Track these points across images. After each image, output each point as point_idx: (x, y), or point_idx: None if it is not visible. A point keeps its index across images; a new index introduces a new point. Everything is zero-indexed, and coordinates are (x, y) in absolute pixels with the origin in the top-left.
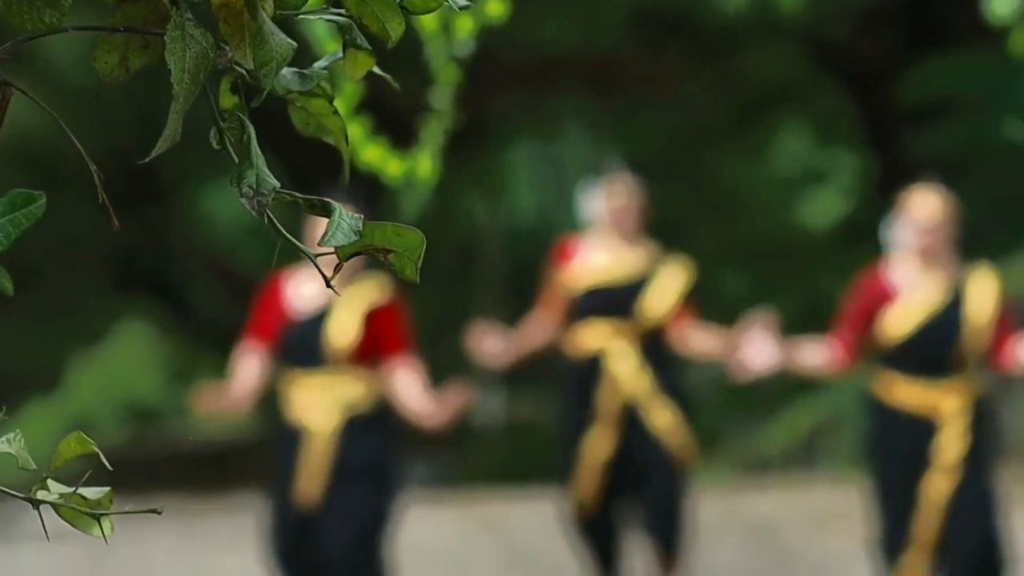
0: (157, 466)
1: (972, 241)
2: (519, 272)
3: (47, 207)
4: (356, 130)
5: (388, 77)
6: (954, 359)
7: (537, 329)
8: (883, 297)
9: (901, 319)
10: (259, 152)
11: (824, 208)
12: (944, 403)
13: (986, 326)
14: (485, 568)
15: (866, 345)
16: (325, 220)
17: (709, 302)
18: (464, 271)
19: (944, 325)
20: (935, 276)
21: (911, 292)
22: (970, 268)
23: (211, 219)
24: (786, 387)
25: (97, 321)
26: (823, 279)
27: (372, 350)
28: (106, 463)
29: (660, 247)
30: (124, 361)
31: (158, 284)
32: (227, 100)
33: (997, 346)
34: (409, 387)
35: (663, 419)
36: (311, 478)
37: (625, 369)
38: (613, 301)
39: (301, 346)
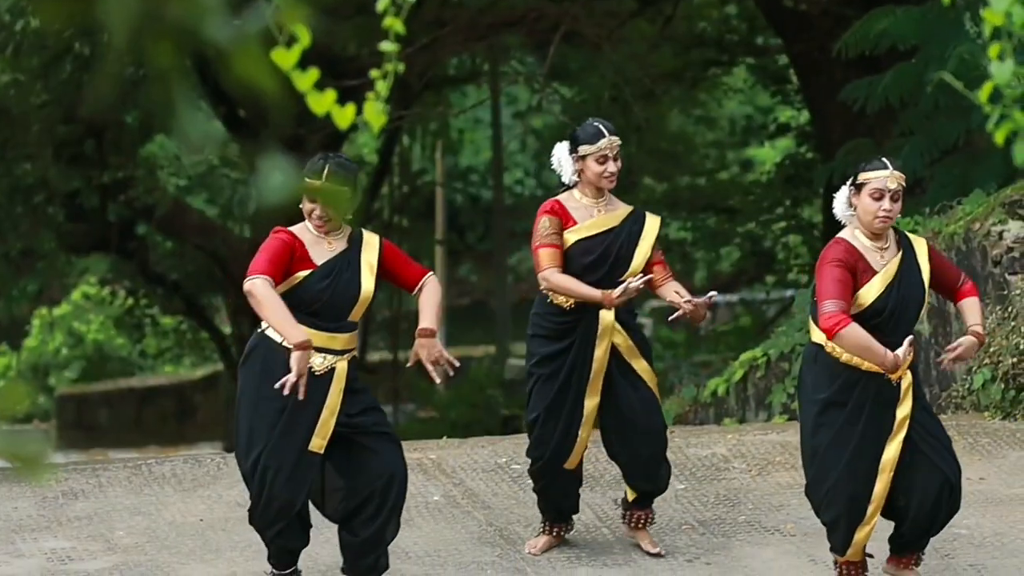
0: (115, 411)
1: (909, 189)
2: (460, 211)
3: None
4: (304, 78)
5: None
6: (912, 324)
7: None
8: (858, 267)
9: (874, 289)
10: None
11: (764, 155)
12: (906, 363)
13: (928, 284)
14: (429, 508)
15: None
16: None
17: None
18: (413, 211)
19: (911, 290)
20: (892, 246)
21: (878, 263)
22: (905, 232)
23: (164, 171)
24: (732, 335)
25: (58, 273)
26: (763, 222)
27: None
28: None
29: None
30: (81, 312)
31: (117, 237)
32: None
33: (950, 284)
34: (433, 298)
35: (641, 366)
36: (327, 423)
37: (611, 320)
38: (603, 256)
39: (325, 302)
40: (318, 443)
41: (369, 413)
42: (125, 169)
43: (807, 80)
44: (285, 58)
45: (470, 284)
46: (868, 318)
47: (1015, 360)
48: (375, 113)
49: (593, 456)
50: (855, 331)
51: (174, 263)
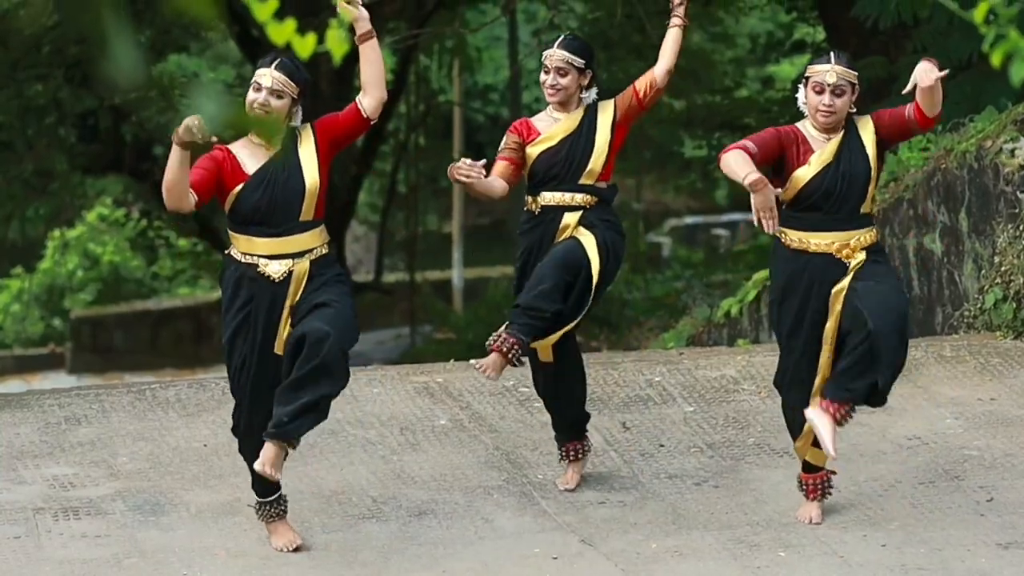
0: (131, 334)
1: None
2: (479, 130)
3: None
4: (263, 8)
5: None
6: (860, 202)
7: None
8: (796, 146)
9: (810, 169)
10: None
11: (786, 72)
12: (854, 241)
13: (875, 159)
14: (435, 433)
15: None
16: None
17: (671, 165)
18: (430, 130)
19: (852, 168)
20: (836, 133)
21: (820, 147)
22: (854, 117)
23: (177, 92)
24: (751, 253)
25: (71, 194)
26: None
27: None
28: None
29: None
30: (97, 233)
31: (131, 158)
32: None
33: (899, 117)
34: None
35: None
36: (287, 325)
37: (571, 221)
38: (563, 161)
39: (266, 210)
40: (280, 345)
41: (321, 291)
42: (138, 90)
43: None
44: None
45: (488, 204)
46: (806, 197)
47: None
48: (337, 41)
49: (600, 378)
50: (730, 155)
51: None
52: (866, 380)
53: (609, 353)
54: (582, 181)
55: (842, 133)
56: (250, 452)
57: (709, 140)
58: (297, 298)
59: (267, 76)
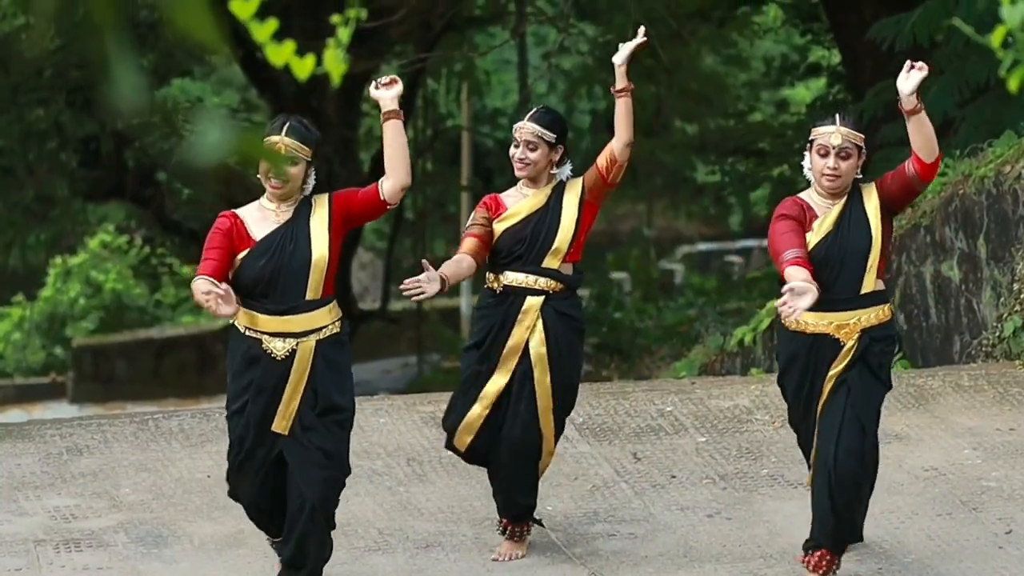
0: (133, 363)
1: (939, 130)
2: (488, 155)
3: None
4: (262, 29)
5: None
6: (861, 276)
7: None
8: (805, 217)
9: (810, 241)
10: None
11: (800, 95)
12: (854, 322)
13: (879, 230)
14: (443, 463)
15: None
16: None
17: (683, 191)
18: (439, 156)
19: (852, 241)
20: (841, 199)
21: (821, 218)
22: (860, 184)
23: (180, 117)
24: (765, 280)
25: (73, 220)
26: (795, 165)
27: (337, 257)
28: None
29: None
30: (99, 261)
31: (134, 184)
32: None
33: (900, 176)
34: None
35: (543, 381)
36: (289, 406)
37: (535, 304)
38: (528, 239)
39: (268, 281)
40: (282, 424)
41: (324, 415)
42: (141, 115)
43: (837, 18)
44: (243, 8)
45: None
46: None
47: None
48: (335, 61)
49: (611, 408)
50: (788, 272)
51: (192, 211)
52: (827, 525)
53: (620, 382)
54: (547, 263)
55: (844, 200)
56: (241, 496)
57: (722, 165)
58: (305, 379)
59: (279, 144)
